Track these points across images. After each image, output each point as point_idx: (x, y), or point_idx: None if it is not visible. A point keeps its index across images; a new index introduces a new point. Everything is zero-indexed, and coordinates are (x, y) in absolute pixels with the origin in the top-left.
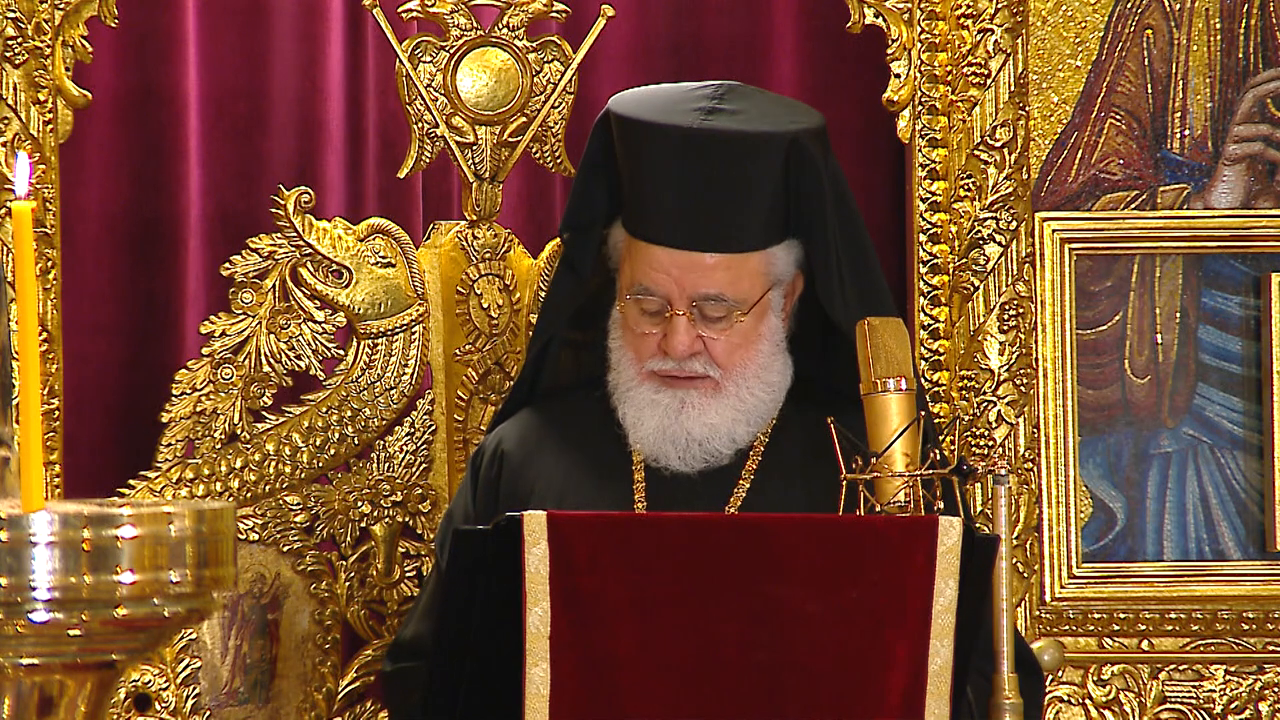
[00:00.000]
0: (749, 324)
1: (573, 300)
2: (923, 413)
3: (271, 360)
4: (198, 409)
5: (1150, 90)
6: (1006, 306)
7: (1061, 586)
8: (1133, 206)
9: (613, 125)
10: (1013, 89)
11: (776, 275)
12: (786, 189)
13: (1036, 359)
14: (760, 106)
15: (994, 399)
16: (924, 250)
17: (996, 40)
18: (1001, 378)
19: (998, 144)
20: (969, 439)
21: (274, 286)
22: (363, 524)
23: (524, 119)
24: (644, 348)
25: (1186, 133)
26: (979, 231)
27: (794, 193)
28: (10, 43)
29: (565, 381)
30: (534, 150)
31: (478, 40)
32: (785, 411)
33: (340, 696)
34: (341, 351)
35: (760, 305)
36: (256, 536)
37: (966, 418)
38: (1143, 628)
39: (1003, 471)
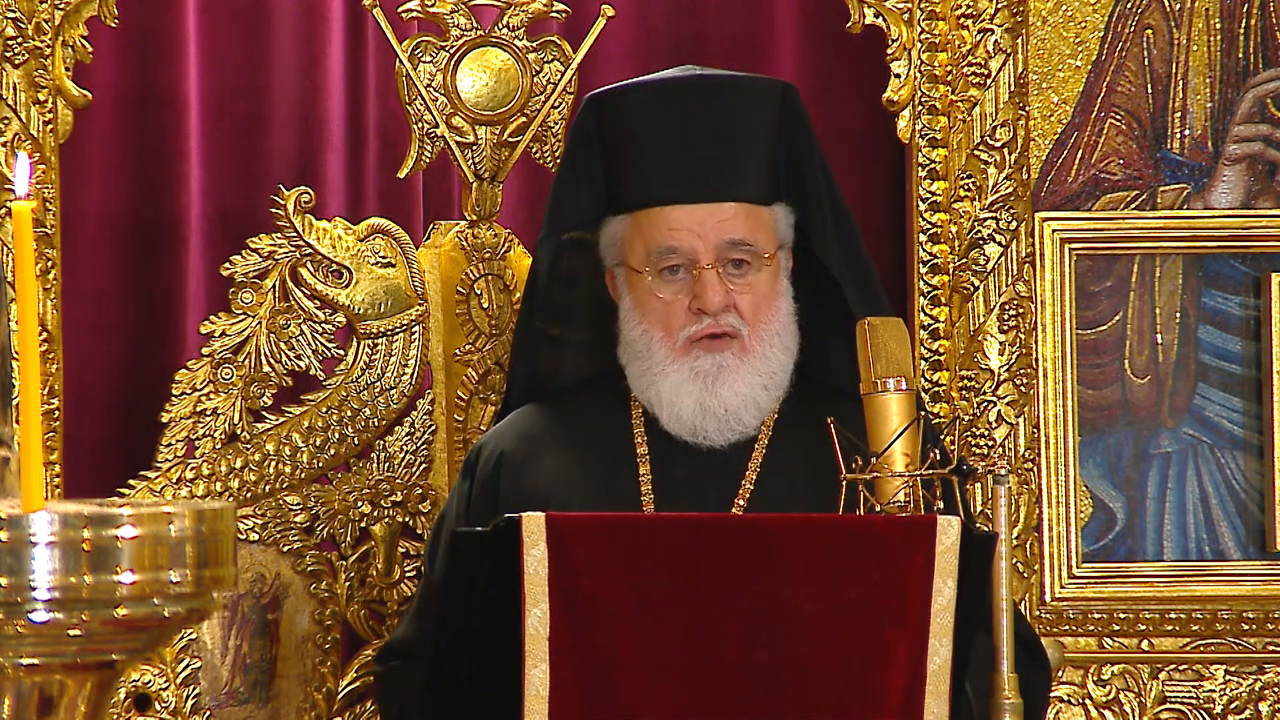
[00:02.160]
0: (769, 277)
1: (541, 295)
2: (922, 413)
3: (271, 360)
4: (198, 409)
5: (1150, 90)
6: (1006, 306)
7: (1061, 586)
8: (1133, 206)
9: (602, 108)
10: (1013, 89)
11: (782, 236)
12: (779, 141)
13: (1036, 359)
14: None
15: (994, 399)
16: (924, 250)
17: (996, 40)
18: (1001, 378)
19: (998, 144)
20: (969, 439)
21: (274, 286)
22: (363, 524)
23: (524, 119)
24: (673, 317)
25: (1186, 133)
26: (979, 231)
27: (786, 147)
28: (10, 43)
29: (560, 382)
30: (534, 150)
31: (478, 40)
32: (785, 406)
33: (340, 696)
34: (341, 351)
35: (775, 261)
36: (256, 536)
37: (966, 418)
38: (1143, 628)
39: (1003, 471)
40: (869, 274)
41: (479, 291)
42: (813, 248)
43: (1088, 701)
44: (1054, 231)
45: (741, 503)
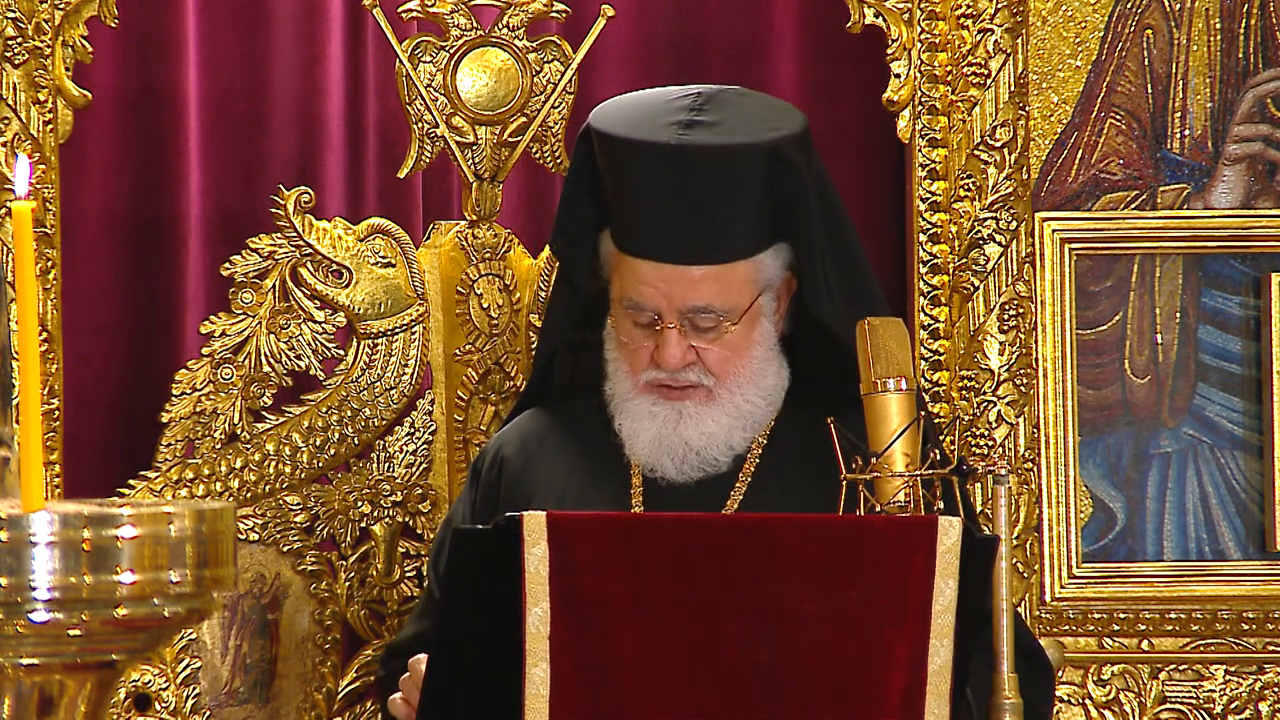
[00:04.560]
0: (740, 332)
1: (571, 310)
2: (922, 413)
3: (271, 360)
4: (198, 409)
5: (1150, 90)
6: (1006, 306)
7: (1061, 586)
8: (1133, 206)
9: (594, 140)
10: (1013, 89)
11: (765, 281)
12: (770, 195)
13: (1036, 359)
14: (741, 114)
15: (994, 399)
16: (924, 250)
17: (996, 40)
18: (1001, 378)
19: (998, 144)
20: (969, 439)
21: (274, 286)
22: (363, 524)
23: (524, 119)
24: (637, 359)
25: (1186, 133)
26: (979, 231)
27: (777, 198)
28: (10, 43)
29: (568, 385)
30: (534, 150)
31: (478, 40)
32: (781, 415)
33: (340, 696)
34: (341, 351)
35: (751, 312)
36: (256, 536)
37: (966, 418)
38: (1143, 628)
39: (1003, 471)
40: (870, 301)
41: (479, 291)
42: (803, 292)
43: (1088, 701)
44: (1054, 231)
45: (732, 510)
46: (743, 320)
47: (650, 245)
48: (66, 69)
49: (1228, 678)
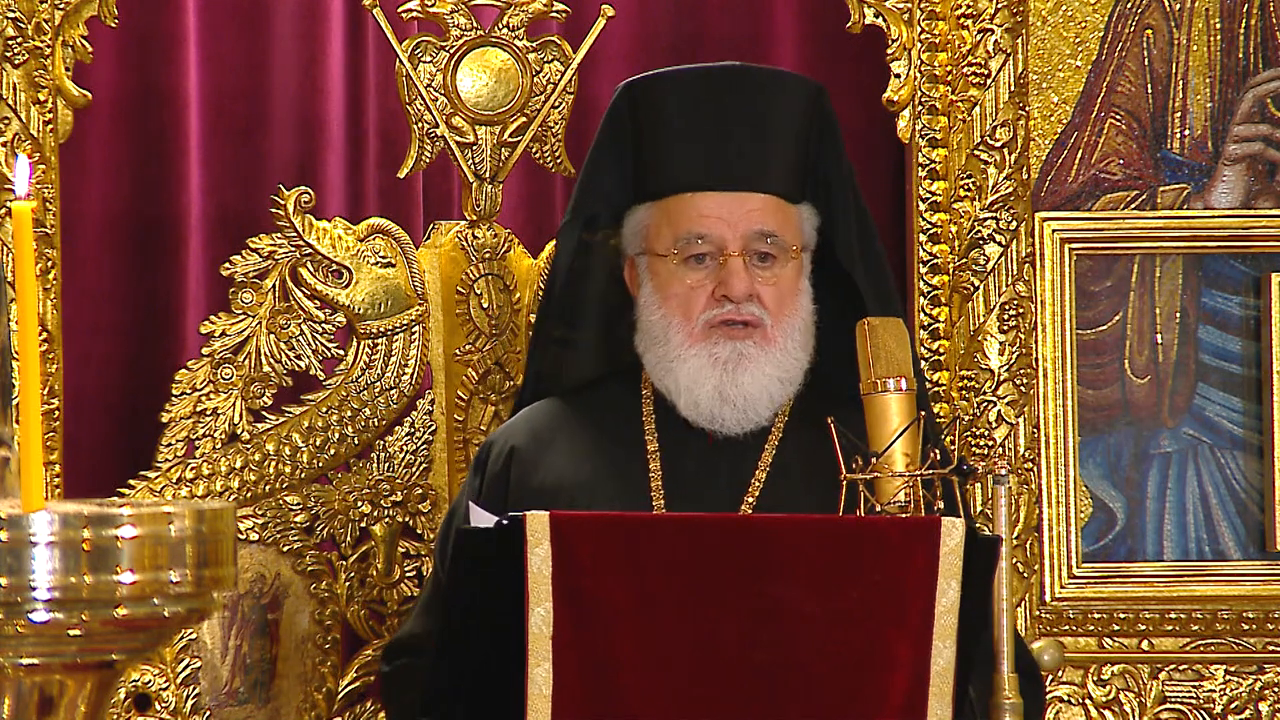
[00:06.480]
0: (794, 272)
1: (559, 293)
2: (922, 412)
3: (271, 360)
4: (198, 409)
5: (1150, 90)
6: (1006, 306)
7: (1061, 586)
8: (1133, 206)
9: (636, 96)
10: (1013, 89)
11: (806, 236)
12: (808, 143)
13: (1036, 359)
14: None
15: (994, 399)
16: (924, 250)
17: (996, 40)
18: (1001, 378)
19: (998, 144)
20: (969, 439)
21: (274, 286)
22: (363, 524)
23: (524, 119)
24: (694, 303)
25: (1186, 133)
26: (979, 231)
27: (815, 150)
28: (10, 43)
29: (568, 379)
30: (534, 150)
31: (478, 40)
32: (798, 404)
33: (340, 696)
34: (341, 351)
35: (800, 257)
36: (256, 536)
37: (966, 418)
38: (1143, 628)
39: (1003, 471)
40: (885, 280)
41: (479, 291)
42: (836, 250)
43: (1088, 701)
44: (1054, 231)
45: (751, 500)
46: (794, 262)
47: (710, 174)
48: (66, 69)
49: (1228, 678)
